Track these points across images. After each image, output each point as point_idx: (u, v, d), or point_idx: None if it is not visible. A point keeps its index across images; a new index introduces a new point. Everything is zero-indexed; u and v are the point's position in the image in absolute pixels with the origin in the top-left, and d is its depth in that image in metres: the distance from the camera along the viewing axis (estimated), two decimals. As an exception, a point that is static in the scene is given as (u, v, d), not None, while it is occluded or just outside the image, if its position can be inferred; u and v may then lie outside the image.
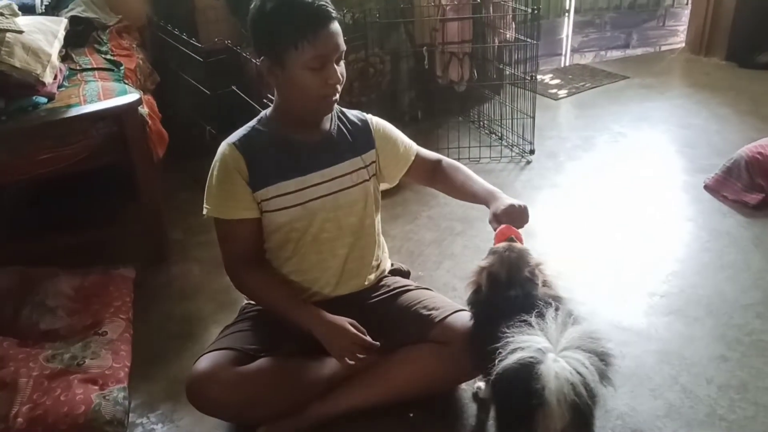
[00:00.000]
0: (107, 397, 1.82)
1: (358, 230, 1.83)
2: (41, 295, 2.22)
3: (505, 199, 1.77)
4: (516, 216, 1.71)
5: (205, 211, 1.73)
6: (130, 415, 1.86)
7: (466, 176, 1.92)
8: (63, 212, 2.73)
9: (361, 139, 1.83)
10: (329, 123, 1.79)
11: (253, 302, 1.90)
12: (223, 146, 1.74)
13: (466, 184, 1.90)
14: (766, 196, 2.70)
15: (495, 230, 1.71)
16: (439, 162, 1.96)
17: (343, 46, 1.63)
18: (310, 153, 1.74)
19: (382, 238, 1.97)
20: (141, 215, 2.53)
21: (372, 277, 1.90)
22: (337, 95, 1.68)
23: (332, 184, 1.75)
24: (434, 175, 1.95)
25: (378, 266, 1.93)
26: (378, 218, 1.91)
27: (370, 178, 1.82)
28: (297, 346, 1.80)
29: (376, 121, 1.88)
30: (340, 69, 1.65)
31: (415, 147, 1.94)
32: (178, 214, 2.90)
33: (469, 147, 3.35)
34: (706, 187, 2.89)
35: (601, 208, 2.85)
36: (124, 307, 2.22)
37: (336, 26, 1.61)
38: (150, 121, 2.42)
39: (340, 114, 1.83)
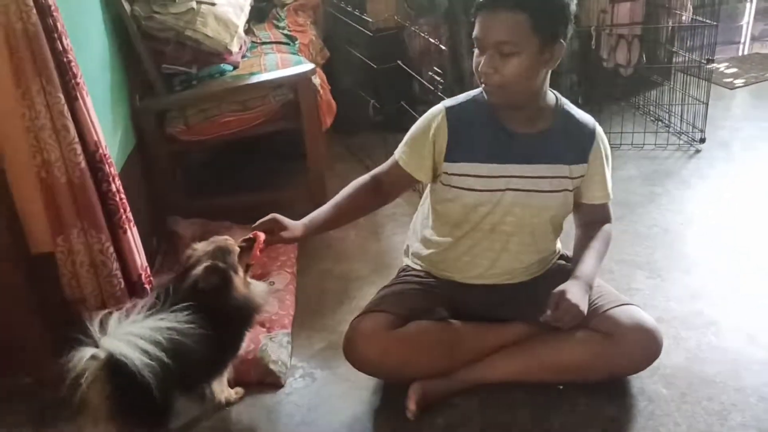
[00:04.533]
0: (273, 339, 1.97)
1: (539, 234, 1.79)
2: (218, 245, 2.42)
3: (573, 288, 1.64)
4: (561, 305, 1.61)
5: (395, 153, 1.79)
6: (293, 358, 2.00)
7: (591, 246, 1.78)
8: (237, 174, 2.96)
9: (578, 150, 1.73)
10: (549, 120, 1.71)
11: (411, 265, 1.96)
12: (439, 107, 1.74)
13: (581, 250, 1.78)
14: None
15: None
16: (602, 224, 1.85)
17: (500, 39, 1.52)
18: (518, 144, 1.69)
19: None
20: (307, 180, 2.68)
21: (536, 270, 1.87)
22: (491, 86, 1.60)
23: (528, 182, 1.70)
24: (585, 228, 1.85)
25: (546, 261, 1.89)
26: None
27: (572, 190, 1.75)
28: (449, 312, 1.84)
29: (602, 139, 1.77)
30: (499, 63, 1.55)
31: (609, 195, 1.81)
32: (337, 182, 3.02)
33: (633, 133, 3.22)
34: None
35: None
36: (290, 262, 2.37)
37: (504, 17, 1.51)
38: (321, 91, 2.57)
39: (566, 114, 1.73)
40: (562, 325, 1.64)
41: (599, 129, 1.76)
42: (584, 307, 1.64)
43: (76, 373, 1.31)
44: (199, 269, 1.54)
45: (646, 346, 1.70)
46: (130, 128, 2.39)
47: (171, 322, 1.42)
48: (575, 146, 1.73)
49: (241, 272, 1.62)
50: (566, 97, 1.77)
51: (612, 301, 1.75)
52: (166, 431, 1.52)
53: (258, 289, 1.70)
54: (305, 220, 1.78)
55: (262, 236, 1.67)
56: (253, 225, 1.70)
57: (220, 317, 1.55)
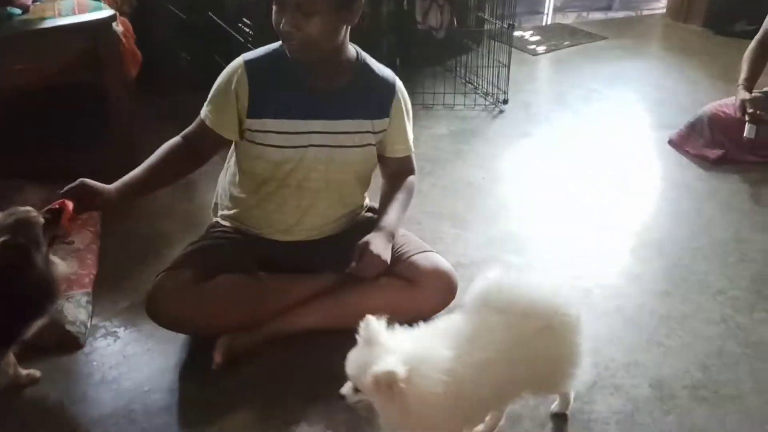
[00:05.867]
0: (70, 300, 1.87)
1: (345, 189, 1.83)
2: (6, 205, 2.23)
3: (376, 239, 1.71)
4: (364, 257, 1.69)
5: (201, 113, 1.74)
6: (94, 318, 1.91)
7: (394, 197, 1.85)
8: (39, 133, 2.73)
9: (379, 104, 1.77)
10: (350, 75, 1.73)
11: (220, 222, 1.93)
12: (238, 61, 1.71)
13: (386, 202, 1.86)
14: (726, 152, 2.79)
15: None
16: (406, 176, 1.91)
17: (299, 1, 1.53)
18: (320, 99, 1.70)
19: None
20: (112, 135, 2.53)
21: (344, 224, 1.90)
22: (294, 44, 1.60)
23: (332, 138, 1.72)
24: (389, 180, 1.91)
25: (354, 214, 1.93)
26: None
27: (375, 144, 1.79)
28: (256, 265, 1.84)
29: (402, 93, 1.81)
30: (301, 22, 1.55)
31: (411, 148, 1.88)
32: (150, 141, 2.85)
33: (444, 93, 3.39)
34: (671, 142, 2.97)
35: (569, 157, 2.92)
36: (92, 221, 2.25)
37: None
38: (124, 40, 2.42)
39: (367, 69, 1.76)
40: (367, 275, 1.71)
41: (399, 83, 1.81)
42: (387, 257, 1.71)
43: None
44: None
45: (442, 288, 1.82)
46: None
47: None
48: (377, 101, 1.77)
49: (44, 248, 1.46)
50: (384, 59, 1.82)
51: (414, 248, 1.85)
52: None
53: (60, 269, 1.54)
54: (118, 184, 1.66)
55: (70, 205, 1.51)
56: (60, 191, 1.55)
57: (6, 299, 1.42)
